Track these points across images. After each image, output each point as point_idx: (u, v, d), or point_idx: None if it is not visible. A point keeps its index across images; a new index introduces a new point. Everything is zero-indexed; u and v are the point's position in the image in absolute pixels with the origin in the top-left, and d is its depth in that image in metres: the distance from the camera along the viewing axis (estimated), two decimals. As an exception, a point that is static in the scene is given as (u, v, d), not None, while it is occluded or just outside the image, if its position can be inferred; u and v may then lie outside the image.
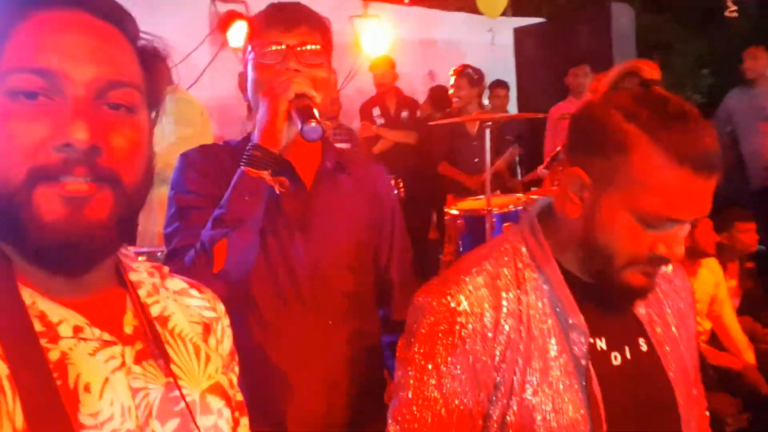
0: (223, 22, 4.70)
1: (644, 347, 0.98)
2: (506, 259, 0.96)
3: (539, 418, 0.89)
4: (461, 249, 3.10)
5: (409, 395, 0.94)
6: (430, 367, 0.93)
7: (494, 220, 2.84)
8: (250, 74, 1.18)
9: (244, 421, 0.80)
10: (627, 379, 0.94)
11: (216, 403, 0.72)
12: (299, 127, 1.06)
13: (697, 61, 11.42)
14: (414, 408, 0.93)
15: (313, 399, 1.17)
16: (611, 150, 0.86)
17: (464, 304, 0.92)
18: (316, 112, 1.07)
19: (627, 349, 0.96)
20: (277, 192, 1.12)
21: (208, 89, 4.86)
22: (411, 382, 0.94)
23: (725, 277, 2.91)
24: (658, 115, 0.84)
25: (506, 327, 0.92)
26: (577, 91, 4.75)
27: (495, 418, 0.92)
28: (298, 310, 1.17)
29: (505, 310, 0.92)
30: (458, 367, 0.91)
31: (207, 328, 0.76)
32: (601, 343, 0.95)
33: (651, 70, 0.93)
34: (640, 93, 0.89)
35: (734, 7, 5.00)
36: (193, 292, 0.78)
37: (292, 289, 1.17)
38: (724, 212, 2.96)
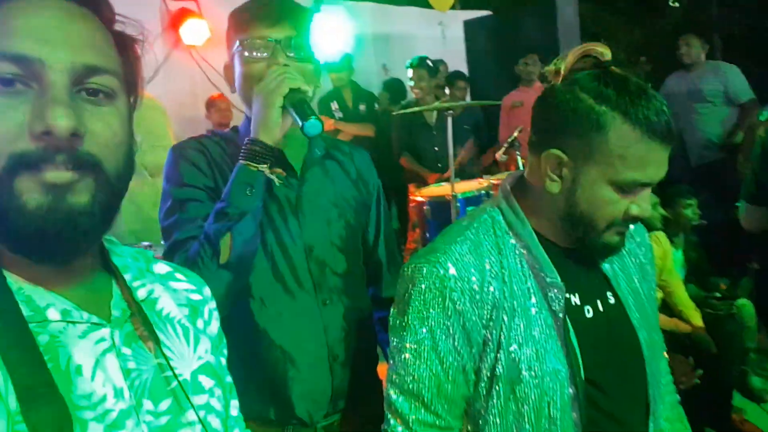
0: (175, 20, 4.64)
1: (612, 300, 1.09)
2: (486, 228, 1.05)
3: (525, 367, 0.99)
4: (428, 235, 3.21)
5: (406, 356, 1.02)
6: (424, 330, 1.01)
7: (459, 204, 2.95)
8: (239, 68, 1.21)
9: (235, 403, 0.80)
10: (599, 329, 1.05)
11: (207, 382, 0.73)
12: (299, 123, 1.10)
13: (634, 49, 11.90)
14: (412, 369, 1.02)
15: (316, 375, 1.23)
16: (587, 130, 0.94)
17: (452, 270, 1.00)
18: (312, 107, 1.12)
19: (598, 302, 1.07)
20: (277, 184, 1.16)
21: (162, 88, 4.80)
22: (407, 345, 1.02)
23: (672, 250, 3.11)
24: (624, 94, 0.93)
25: (491, 288, 1.00)
26: (527, 79, 4.92)
27: (485, 371, 1.01)
28: (296, 293, 1.22)
29: (489, 273, 1.01)
30: (451, 328, 1.00)
31: (194, 310, 0.77)
32: (575, 299, 1.05)
33: (603, 51, 1.01)
34: (600, 74, 0.97)
35: None
36: (179, 275, 0.79)
37: (289, 273, 1.21)
38: (668, 189, 3.16)
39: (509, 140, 3.46)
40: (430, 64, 4.34)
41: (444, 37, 5.93)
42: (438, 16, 5.93)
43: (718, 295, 3.27)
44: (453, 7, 6.09)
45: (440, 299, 1.00)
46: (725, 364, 2.80)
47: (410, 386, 1.03)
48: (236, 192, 1.11)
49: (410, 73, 4.35)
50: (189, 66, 4.88)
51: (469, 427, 1.06)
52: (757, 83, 4.46)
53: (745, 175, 2.36)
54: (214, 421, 0.72)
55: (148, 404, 0.65)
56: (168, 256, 1.18)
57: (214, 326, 0.79)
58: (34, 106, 0.58)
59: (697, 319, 2.93)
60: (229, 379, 0.80)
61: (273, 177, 1.14)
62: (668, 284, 2.97)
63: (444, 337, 1.00)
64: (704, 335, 2.85)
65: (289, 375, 1.21)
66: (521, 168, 3.42)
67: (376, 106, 5.09)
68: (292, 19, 1.19)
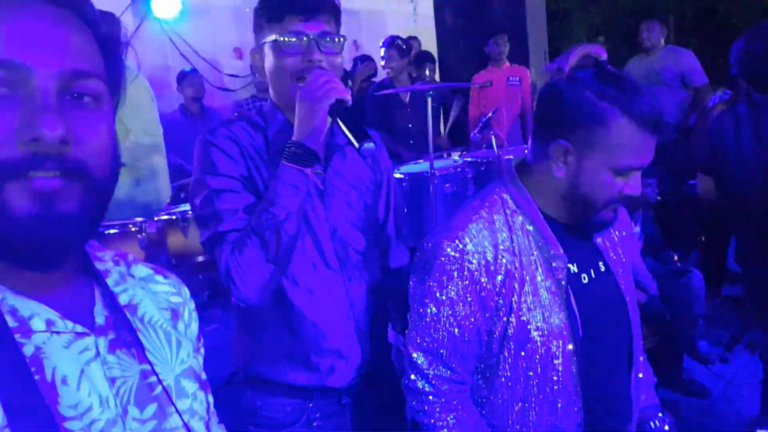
0: (145, -9, 4.54)
1: (603, 268, 1.26)
2: (497, 207, 1.20)
3: (533, 328, 1.16)
4: (406, 210, 3.33)
5: (427, 321, 1.17)
6: (444, 297, 1.16)
7: (437, 182, 3.07)
8: (271, 60, 1.25)
9: (210, 398, 0.81)
10: (593, 294, 1.22)
11: (190, 386, 0.74)
12: (355, 144, 1.17)
13: (592, 30, 12.18)
14: (432, 330, 1.17)
15: (344, 346, 1.33)
16: (592, 124, 1.09)
17: (470, 245, 1.15)
18: (364, 128, 1.19)
19: (591, 270, 1.24)
20: (320, 187, 1.23)
21: (134, 61, 4.70)
22: (428, 311, 1.17)
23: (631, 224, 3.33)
24: (622, 91, 1.09)
25: (503, 260, 1.16)
26: (497, 59, 5.05)
27: (498, 333, 1.17)
28: (324, 271, 1.31)
29: (501, 247, 1.16)
30: (468, 296, 1.15)
31: (175, 314, 0.77)
32: (574, 268, 1.21)
33: (599, 53, 1.16)
34: (600, 73, 1.12)
35: None
36: (159, 278, 0.78)
37: (317, 253, 1.30)
38: (631, 168, 3.35)
39: (483, 120, 3.61)
40: (401, 44, 4.41)
41: (415, 14, 5.99)
42: (409, -7, 5.99)
43: (671, 267, 3.51)
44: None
45: (459, 270, 1.15)
46: (677, 329, 3.04)
47: (429, 345, 1.18)
48: (283, 193, 1.17)
49: (382, 52, 4.41)
50: (160, 39, 4.79)
51: (480, 381, 1.22)
52: (708, 63, 4.73)
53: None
54: (198, 425, 0.73)
55: (134, 411, 0.66)
56: (208, 247, 1.25)
57: (194, 327, 0.80)
58: (22, 112, 0.57)
59: (653, 289, 3.16)
60: (204, 376, 0.80)
61: (316, 179, 1.21)
62: (634, 253, 3.18)
63: (461, 303, 1.15)
64: (659, 304, 3.08)
65: (321, 347, 1.31)
66: (494, 147, 3.58)
67: (349, 83, 5.14)
68: (326, 13, 1.23)
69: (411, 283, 1.22)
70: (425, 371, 1.18)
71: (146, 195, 3.05)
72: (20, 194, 0.57)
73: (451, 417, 1.17)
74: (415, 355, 1.19)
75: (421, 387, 1.18)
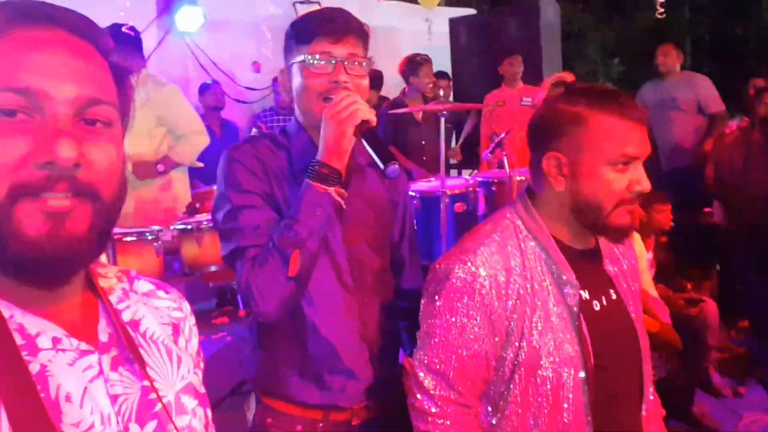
0: (170, 6, 4.64)
1: (614, 296, 1.25)
2: (508, 232, 1.20)
3: (544, 354, 1.14)
4: (415, 227, 3.31)
5: (435, 341, 1.17)
6: (453, 319, 1.15)
7: (447, 201, 3.06)
8: (299, 79, 1.27)
9: (208, 412, 0.82)
10: (605, 321, 1.21)
11: (190, 403, 0.75)
12: (380, 165, 1.18)
13: (607, 51, 12.19)
14: (440, 351, 1.16)
15: (356, 367, 1.33)
16: (571, 128, 1.14)
17: (482, 268, 1.15)
18: (389, 150, 1.20)
19: (603, 298, 1.23)
20: (344, 207, 1.24)
21: (156, 73, 4.79)
22: (437, 331, 1.17)
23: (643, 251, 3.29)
24: (590, 93, 1.16)
25: (515, 285, 1.15)
26: (511, 79, 5.04)
27: (509, 358, 1.16)
28: (340, 290, 1.31)
29: (513, 271, 1.16)
30: (477, 318, 1.15)
31: (176, 329, 0.78)
32: (585, 295, 1.20)
33: (569, 77, 1.23)
34: (567, 88, 1.20)
35: (662, 9, 5.48)
36: (161, 293, 0.80)
37: (333, 272, 1.30)
38: (645, 194, 3.32)
39: (497, 141, 3.60)
40: (420, 61, 4.43)
41: (430, 33, 6.02)
42: (424, 12, 6.02)
43: (684, 295, 3.47)
44: (439, 4, 6.20)
45: (470, 293, 1.15)
46: (689, 360, 2.99)
47: (437, 367, 1.17)
48: (306, 211, 1.18)
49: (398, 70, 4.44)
50: (182, 51, 4.87)
51: (489, 408, 1.21)
52: (725, 87, 4.71)
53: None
54: None
55: (134, 428, 0.67)
56: (229, 262, 1.26)
57: (194, 342, 0.81)
58: (38, 136, 0.59)
59: (665, 317, 3.12)
60: (202, 389, 0.81)
61: (338, 198, 1.22)
62: (640, 284, 3.15)
63: (471, 326, 1.15)
64: (672, 332, 3.04)
65: (333, 366, 1.31)
66: (506, 167, 3.57)
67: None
68: (354, 36, 1.25)
69: (421, 303, 1.22)
70: (431, 392, 1.17)
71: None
72: (32, 214, 0.59)
73: None
74: (421, 375, 1.19)
75: (426, 407, 1.17)
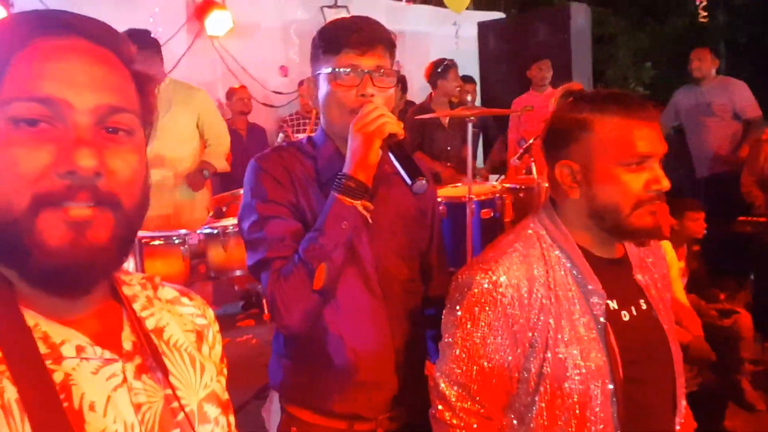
0: (199, 10, 4.71)
1: (644, 306, 1.21)
2: (532, 242, 1.18)
3: (571, 366, 1.11)
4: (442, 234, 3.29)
5: (457, 352, 1.15)
6: (475, 330, 1.14)
7: (474, 207, 3.03)
8: (326, 90, 1.26)
9: (231, 419, 0.82)
10: (635, 332, 1.17)
11: (212, 411, 0.74)
12: (408, 181, 1.17)
13: (639, 55, 11.97)
14: (462, 363, 1.15)
15: (383, 378, 1.31)
16: (579, 135, 1.15)
17: (504, 278, 1.13)
18: (417, 165, 1.19)
19: (632, 308, 1.20)
20: (370, 222, 1.24)
21: (185, 76, 4.86)
22: (459, 342, 1.15)
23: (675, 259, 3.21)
24: (594, 98, 1.16)
25: (539, 294, 1.13)
26: (539, 84, 4.99)
27: (534, 370, 1.13)
28: (367, 299, 1.30)
29: (536, 281, 1.14)
30: (499, 329, 1.13)
31: (200, 336, 0.78)
32: (613, 304, 1.17)
33: (576, 86, 1.23)
34: (575, 97, 1.21)
35: (705, 13, 5.37)
36: (185, 300, 0.80)
37: (361, 282, 1.29)
38: (677, 201, 3.26)
39: (525, 146, 3.56)
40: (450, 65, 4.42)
41: (458, 37, 6.00)
42: (453, 16, 6.01)
43: (717, 305, 3.38)
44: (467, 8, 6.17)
45: (492, 303, 1.13)
46: (722, 373, 2.91)
47: (459, 378, 1.15)
48: (332, 225, 1.18)
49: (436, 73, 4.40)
50: (211, 56, 4.94)
51: (514, 421, 1.18)
52: (762, 92, 4.58)
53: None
54: None
55: None
56: (254, 272, 1.27)
57: (218, 349, 0.81)
58: (60, 146, 0.59)
59: (697, 329, 3.04)
60: (226, 396, 0.81)
61: (365, 212, 1.21)
62: (672, 293, 3.08)
63: (493, 336, 1.13)
64: (704, 344, 2.96)
65: (359, 375, 1.29)
66: (533, 173, 3.53)
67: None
68: (381, 47, 1.25)
69: (444, 313, 1.21)
70: (453, 403, 1.16)
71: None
72: (54, 224, 0.59)
73: None
74: (443, 385, 1.17)
75: (448, 419, 1.16)
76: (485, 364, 1.13)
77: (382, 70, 1.25)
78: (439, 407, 1.17)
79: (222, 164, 3.55)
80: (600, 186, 1.13)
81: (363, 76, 1.24)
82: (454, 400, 1.15)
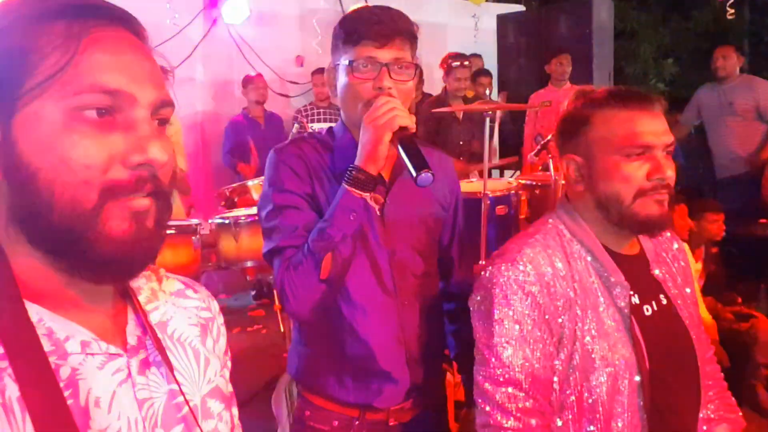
0: (216, -2, 4.69)
1: (664, 301, 1.21)
2: (552, 235, 1.19)
3: (598, 357, 1.11)
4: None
5: (497, 350, 1.13)
6: (512, 323, 1.13)
7: (489, 203, 3.00)
8: (344, 81, 1.26)
9: (234, 411, 0.82)
10: (657, 326, 1.17)
11: (216, 407, 0.74)
12: (413, 173, 1.15)
13: (661, 51, 11.77)
14: (505, 360, 1.12)
15: (393, 371, 1.31)
16: (580, 129, 1.19)
17: (528, 267, 1.13)
18: (424, 157, 1.16)
19: (653, 302, 1.20)
20: (378, 214, 1.24)
21: (201, 64, 4.87)
22: (497, 340, 1.13)
23: (692, 261, 3.16)
24: (594, 95, 1.19)
25: (562, 284, 1.14)
26: (558, 79, 4.91)
27: (563, 360, 1.13)
28: (379, 292, 1.30)
29: (558, 272, 1.14)
30: (534, 318, 1.12)
31: (204, 329, 0.78)
32: (635, 299, 1.17)
33: (587, 88, 1.26)
34: (579, 95, 1.24)
35: (732, 10, 5.25)
36: (189, 292, 0.80)
37: (373, 274, 1.29)
38: (696, 202, 3.20)
39: (542, 142, 3.51)
40: (465, 63, 4.37)
41: (476, 30, 5.93)
42: (472, 8, 5.94)
43: (734, 308, 3.33)
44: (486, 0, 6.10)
45: (521, 294, 1.13)
46: (737, 378, 2.86)
47: (506, 376, 1.12)
48: (340, 216, 1.19)
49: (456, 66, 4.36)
50: (228, 43, 4.92)
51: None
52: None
53: None
54: None
55: None
56: (268, 259, 1.28)
57: (222, 343, 0.81)
58: (127, 138, 0.60)
59: (713, 332, 2.99)
60: (230, 388, 0.81)
61: (374, 204, 1.22)
62: (693, 287, 3.03)
63: (530, 327, 1.12)
64: (720, 348, 2.91)
65: (370, 367, 1.30)
66: (550, 170, 3.48)
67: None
68: (400, 39, 1.23)
69: (474, 317, 1.19)
70: (507, 406, 1.12)
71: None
72: (118, 214, 0.60)
73: None
74: (490, 389, 1.13)
75: (502, 423, 1.11)
76: (529, 355, 1.12)
77: (400, 63, 1.24)
78: (492, 413, 1.12)
79: (182, 163, 3.51)
80: (602, 177, 1.15)
81: (380, 69, 1.23)
82: (506, 401, 1.12)
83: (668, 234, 1.32)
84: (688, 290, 1.26)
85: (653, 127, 1.12)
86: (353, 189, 1.19)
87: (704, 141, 4.68)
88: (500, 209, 3.10)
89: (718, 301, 3.39)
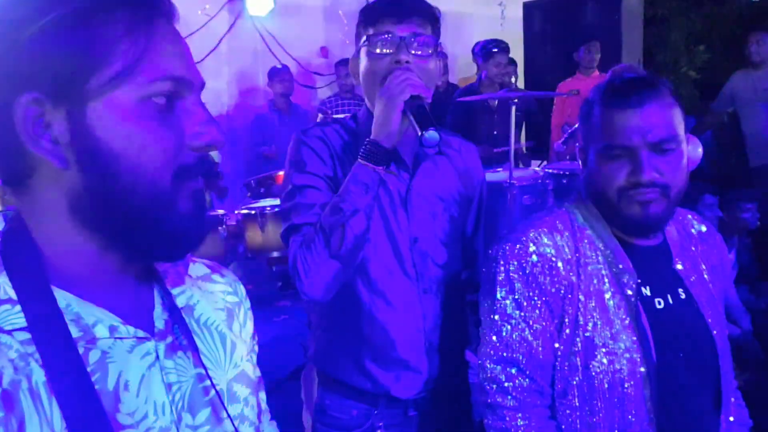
0: (241, -10, 4.71)
1: (683, 296, 1.18)
2: (562, 219, 1.18)
3: (600, 345, 1.10)
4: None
5: (497, 329, 1.14)
6: (512, 302, 1.13)
7: (515, 192, 2.98)
8: (364, 62, 1.26)
9: (262, 396, 0.83)
10: (670, 320, 1.14)
11: (242, 391, 0.75)
12: (418, 132, 1.14)
13: (692, 37, 11.46)
14: (505, 338, 1.13)
15: (412, 359, 1.31)
16: (585, 116, 1.18)
17: (533, 248, 1.13)
18: (431, 117, 1.15)
19: (669, 296, 1.17)
20: (400, 194, 1.24)
21: (226, 57, 4.91)
22: (497, 317, 1.14)
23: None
24: (603, 88, 1.16)
25: (567, 267, 1.13)
26: (587, 66, 4.82)
27: (563, 349, 1.12)
28: (401, 280, 1.29)
29: (563, 253, 1.13)
30: (535, 298, 1.12)
31: (230, 314, 0.78)
32: (646, 291, 1.15)
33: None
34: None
35: None
36: (216, 277, 0.80)
37: (395, 261, 1.28)
38: (730, 191, 3.13)
39: (569, 132, 3.46)
40: (504, 46, 4.33)
41: (503, 18, 5.85)
42: (498, -4, 5.86)
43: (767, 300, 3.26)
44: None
45: (523, 273, 1.13)
46: (770, 369, 2.81)
47: (505, 354, 1.13)
48: (353, 190, 1.18)
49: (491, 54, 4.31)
50: (252, 36, 4.95)
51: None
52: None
53: None
54: (248, 431, 0.75)
55: (187, 417, 0.67)
56: (285, 239, 1.29)
57: (249, 327, 0.81)
58: (190, 121, 0.63)
59: (746, 323, 2.94)
60: (258, 372, 0.81)
61: (386, 178, 1.22)
62: (724, 286, 2.98)
63: (530, 307, 1.12)
64: (752, 339, 2.86)
65: (388, 355, 1.30)
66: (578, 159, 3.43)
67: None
68: (419, 16, 1.23)
69: (480, 294, 1.20)
70: (504, 384, 1.14)
71: None
72: (186, 194, 0.64)
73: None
74: (489, 366, 1.15)
75: (501, 401, 1.13)
76: (528, 335, 1.12)
77: (419, 39, 1.22)
78: (490, 391, 1.15)
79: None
80: (591, 170, 1.15)
81: (398, 43, 1.21)
82: (504, 379, 1.13)
83: (704, 228, 1.28)
84: (717, 289, 1.22)
85: (636, 125, 1.08)
86: (367, 162, 1.18)
87: (738, 128, 4.57)
88: (526, 199, 3.07)
89: (752, 292, 3.32)
